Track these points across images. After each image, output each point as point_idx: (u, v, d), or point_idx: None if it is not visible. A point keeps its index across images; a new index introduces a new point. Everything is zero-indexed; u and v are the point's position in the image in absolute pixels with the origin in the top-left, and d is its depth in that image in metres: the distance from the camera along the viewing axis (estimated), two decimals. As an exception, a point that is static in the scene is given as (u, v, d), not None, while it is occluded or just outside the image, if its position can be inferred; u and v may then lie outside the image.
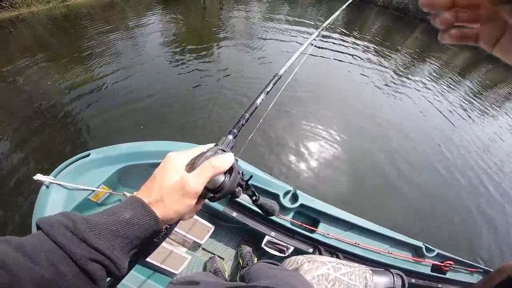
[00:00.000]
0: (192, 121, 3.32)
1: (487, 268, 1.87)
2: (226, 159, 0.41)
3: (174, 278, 1.44)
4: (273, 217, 1.52)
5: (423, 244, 1.72)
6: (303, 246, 1.51)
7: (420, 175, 3.55)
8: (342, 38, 9.11)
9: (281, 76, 0.70)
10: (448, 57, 14.55)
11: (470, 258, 2.46)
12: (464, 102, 7.80)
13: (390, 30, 17.09)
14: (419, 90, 7.09)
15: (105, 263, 0.30)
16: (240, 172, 0.48)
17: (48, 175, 1.15)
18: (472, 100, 8.53)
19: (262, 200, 0.56)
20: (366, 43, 9.41)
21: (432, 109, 6.16)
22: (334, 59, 6.53)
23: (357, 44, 8.87)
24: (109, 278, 0.33)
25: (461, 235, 2.99)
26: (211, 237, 1.67)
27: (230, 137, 0.50)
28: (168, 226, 0.42)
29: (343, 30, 10.64)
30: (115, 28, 5.68)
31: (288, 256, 1.39)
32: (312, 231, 1.53)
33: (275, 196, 1.57)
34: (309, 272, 0.87)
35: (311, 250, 1.51)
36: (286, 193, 1.58)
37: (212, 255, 1.65)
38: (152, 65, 4.36)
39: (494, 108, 9.40)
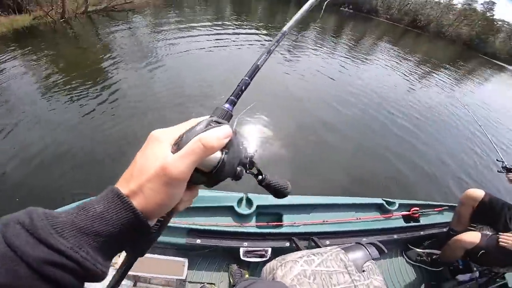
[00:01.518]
0: (100, 167, 2.83)
1: (451, 204, 2.05)
2: (220, 133, 0.32)
3: None
4: (239, 228, 1.48)
5: (383, 200, 1.82)
6: (278, 243, 1.51)
7: (341, 133, 3.99)
8: (233, 23, 9.41)
9: (287, 33, 0.58)
10: (321, 23, 16.87)
11: (429, 199, 2.80)
12: (346, 56, 9.22)
13: (271, 8, 18.59)
14: (309, 54, 7.98)
15: (69, 266, 0.25)
16: (243, 147, 0.39)
17: None
18: (351, 53, 10.19)
19: (269, 178, 0.45)
20: (254, 24, 10.01)
21: (324, 68, 6.99)
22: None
23: (249, 27, 9.37)
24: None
25: (408, 180, 3.36)
26: (190, 268, 1.57)
27: (227, 105, 0.40)
28: (161, 219, 0.34)
29: (232, 17, 11.00)
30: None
31: (270, 259, 1.39)
32: (280, 226, 1.55)
33: (229, 209, 1.52)
34: (286, 276, 0.86)
35: (287, 244, 1.51)
36: (239, 201, 1.55)
37: (202, 284, 1.59)
38: (31, 115, 3.52)
39: (368, 55, 11.48)
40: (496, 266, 1.64)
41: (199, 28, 7.87)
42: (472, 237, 1.58)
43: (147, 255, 1.27)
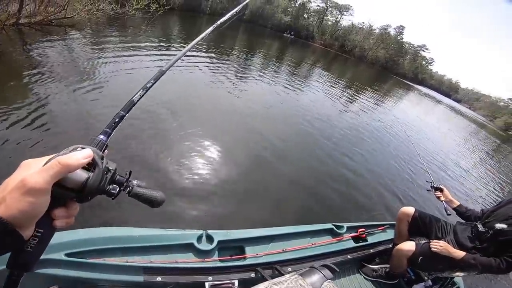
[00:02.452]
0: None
1: (391, 222, 2.23)
2: (77, 154, 0.38)
3: None
4: (201, 264, 1.50)
5: (332, 224, 1.96)
6: (244, 275, 1.54)
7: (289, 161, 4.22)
8: (179, 46, 9.45)
9: (165, 72, 0.63)
10: (265, 50, 18.17)
11: (370, 220, 2.97)
12: (289, 81, 10.07)
13: (222, 33, 19.05)
14: (257, 81, 8.49)
15: None
16: (112, 168, 0.44)
17: None
18: (292, 77, 11.13)
19: (136, 190, 0.48)
20: (203, 48, 10.13)
21: (265, 95, 7.50)
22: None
23: (197, 51, 9.39)
24: None
25: (351, 204, 3.64)
26: None
27: (101, 136, 0.47)
28: (39, 234, 0.37)
29: (179, 39, 11.00)
30: None
31: None
32: (243, 259, 1.59)
33: (189, 246, 1.54)
34: (251, 309, 0.93)
35: (253, 275, 1.55)
36: (199, 238, 1.58)
37: None
38: None
39: (307, 78, 12.63)
40: (437, 272, 1.83)
41: (142, 49, 7.60)
42: (409, 245, 1.80)
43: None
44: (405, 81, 47.15)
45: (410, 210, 1.98)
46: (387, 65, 51.82)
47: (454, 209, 1.98)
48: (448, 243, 1.72)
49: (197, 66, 7.66)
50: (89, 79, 4.77)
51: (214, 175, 3.35)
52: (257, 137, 4.72)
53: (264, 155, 4.19)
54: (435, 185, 2.08)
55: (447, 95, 69.18)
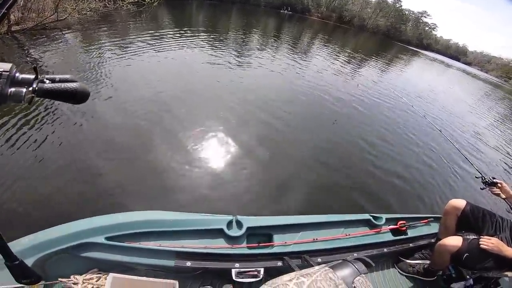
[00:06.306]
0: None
1: (436, 215, 2.07)
2: None
3: None
4: (230, 250, 1.52)
5: (370, 215, 1.84)
6: (271, 263, 1.51)
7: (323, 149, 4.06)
8: (175, 34, 9.30)
9: None
10: (263, 26, 17.59)
11: (414, 212, 2.72)
12: (291, 55, 9.83)
13: (215, 17, 18.56)
14: (260, 60, 8.30)
15: None
16: (5, 69, 0.39)
17: None
18: (295, 51, 10.86)
19: (47, 87, 0.41)
20: (200, 34, 9.97)
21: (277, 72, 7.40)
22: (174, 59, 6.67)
23: (194, 37, 9.31)
24: None
25: (390, 194, 3.37)
26: None
27: None
28: None
29: (175, 27, 10.78)
30: None
31: (263, 279, 1.44)
32: (271, 246, 1.55)
33: (219, 231, 1.55)
34: (278, 301, 0.94)
35: (279, 263, 1.52)
36: (229, 223, 1.58)
37: None
38: None
39: (310, 50, 12.27)
40: (482, 271, 1.68)
41: (136, 42, 7.59)
42: (455, 241, 1.63)
43: (135, 277, 1.23)
44: (411, 47, 45.31)
45: (460, 203, 1.78)
46: (390, 33, 49.99)
47: None
48: (502, 240, 1.57)
49: (197, 57, 7.47)
50: (90, 76, 4.78)
51: (244, 161, 3.30)
52: (287, 121, 4.58)
53: (296, 141, 4.09)
54: (488, 180, 1.78)
55: (456, 59, 66.19)
